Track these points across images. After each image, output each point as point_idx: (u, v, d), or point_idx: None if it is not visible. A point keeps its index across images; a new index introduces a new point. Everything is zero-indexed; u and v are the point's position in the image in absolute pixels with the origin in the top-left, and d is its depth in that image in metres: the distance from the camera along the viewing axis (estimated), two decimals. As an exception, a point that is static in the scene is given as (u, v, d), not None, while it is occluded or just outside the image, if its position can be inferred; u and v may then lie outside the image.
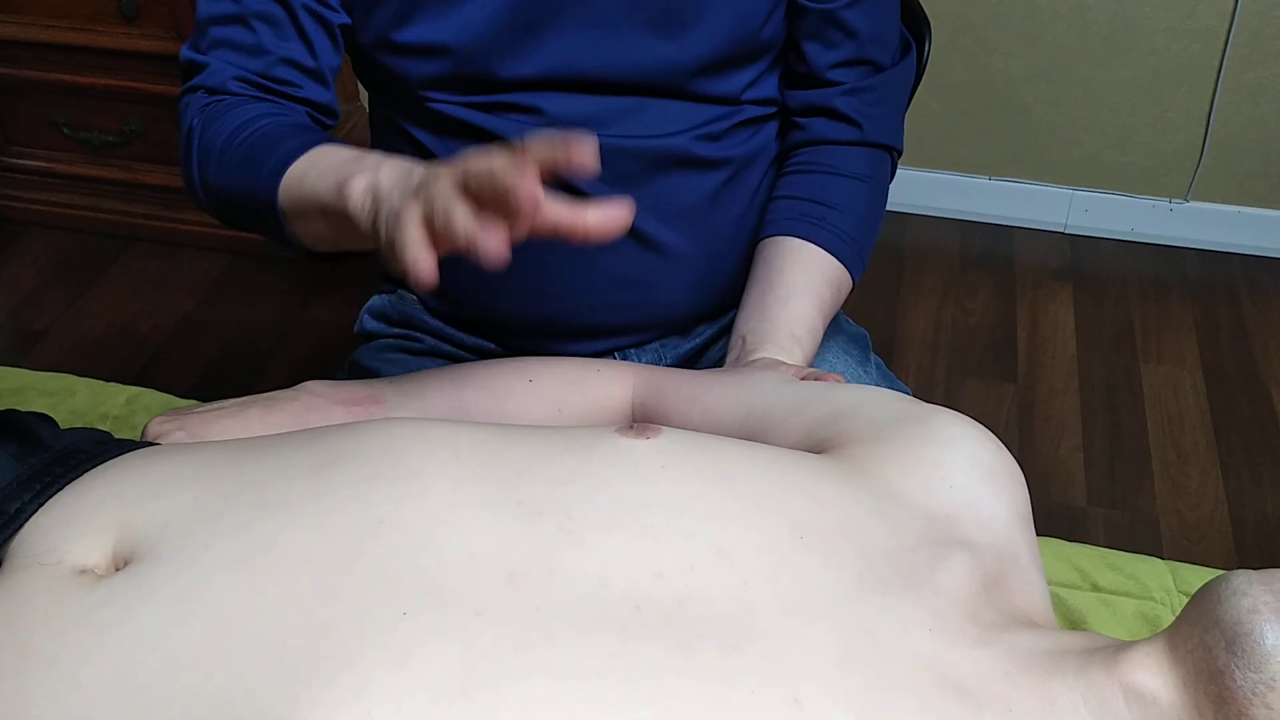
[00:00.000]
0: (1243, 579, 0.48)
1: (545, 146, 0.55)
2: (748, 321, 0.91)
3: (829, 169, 0.98)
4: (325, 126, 0.90)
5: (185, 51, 0.89)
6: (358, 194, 0.66)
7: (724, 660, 0.47)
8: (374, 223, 0.64)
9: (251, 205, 0.79)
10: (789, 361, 0.87)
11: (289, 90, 0.87)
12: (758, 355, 0.87)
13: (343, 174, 0.68)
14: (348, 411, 0.79)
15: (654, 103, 0.92)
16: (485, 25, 0.87)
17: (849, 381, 0.99)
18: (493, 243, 0.55)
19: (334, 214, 0.69)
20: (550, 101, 0.90)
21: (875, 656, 0.48)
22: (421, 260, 0.57)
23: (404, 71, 0.90)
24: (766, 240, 0.97)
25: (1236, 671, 0.45)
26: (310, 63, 0.88)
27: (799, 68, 0.97)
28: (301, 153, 0.76)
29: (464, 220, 0.55)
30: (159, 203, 2.21)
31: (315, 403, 0.79)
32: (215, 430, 0.76)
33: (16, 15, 2.03)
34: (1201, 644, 0.47)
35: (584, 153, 0.55)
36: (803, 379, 0.77)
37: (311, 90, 0.89)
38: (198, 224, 2.21)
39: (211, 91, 0.86)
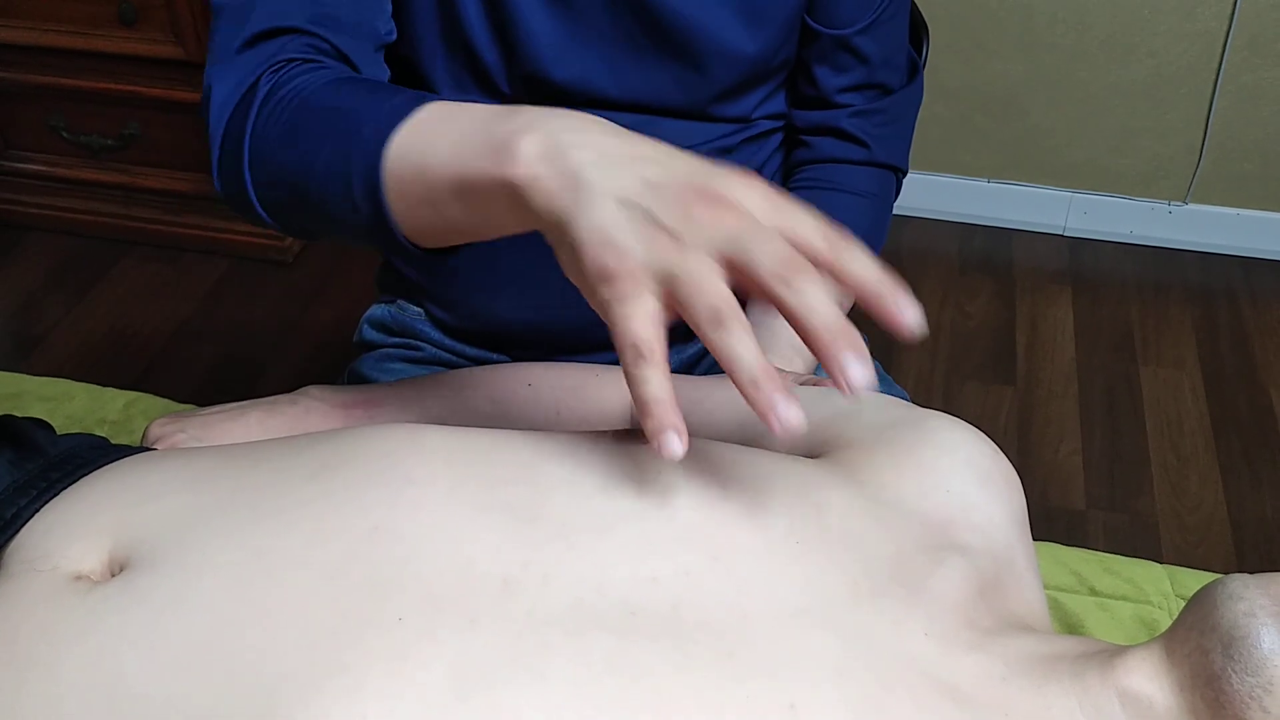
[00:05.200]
0: (1239, 583, 0.48)
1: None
2: None
3: (834, 186, 0.98)
4: None
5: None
6: (528, 162, 0.49)
7: (720, 665, 0.47)
8: (574, 225, 0.48)
9: (333, 190, 0.60)
10: (789, 370, 0.87)
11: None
12: None
13: (498, 133, 0.50)
14: (347, 415, 0.79)
15: (671, 121, 0.92)
16: (525, 19, 0.84)
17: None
18: (787, 411, 0.43)
19: (481, 192, 0.51)
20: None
21: (871, 662, 0.48)
22: (665, 442, 0.46)
23: (432, 75, 0.88)
24: None
25: (1233, 675, 0.45)
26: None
27: (808, 90, 0.97)
28: (410, 110, 0.57)
29: (748, 346, 0.44)
30: (158, 207, 2.22)
31: (315, 406, 0.80)
32: (216, 433, 0.76)
33: (15, 19, 2.03)
34: (1198, 648, 0.47)
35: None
36: (800, 385, 0.77)
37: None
38: (197, 228, 2.21)
39: (279, 32, 0.70)
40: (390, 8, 0.80)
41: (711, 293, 0.45)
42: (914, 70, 1.01)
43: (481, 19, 0.86)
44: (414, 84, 0.90)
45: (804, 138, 0.99)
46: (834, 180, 0.98)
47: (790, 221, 0.47)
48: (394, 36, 0.79)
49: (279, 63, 0.68)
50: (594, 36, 0.87)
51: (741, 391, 0.45)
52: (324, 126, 0.61)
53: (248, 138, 0.66)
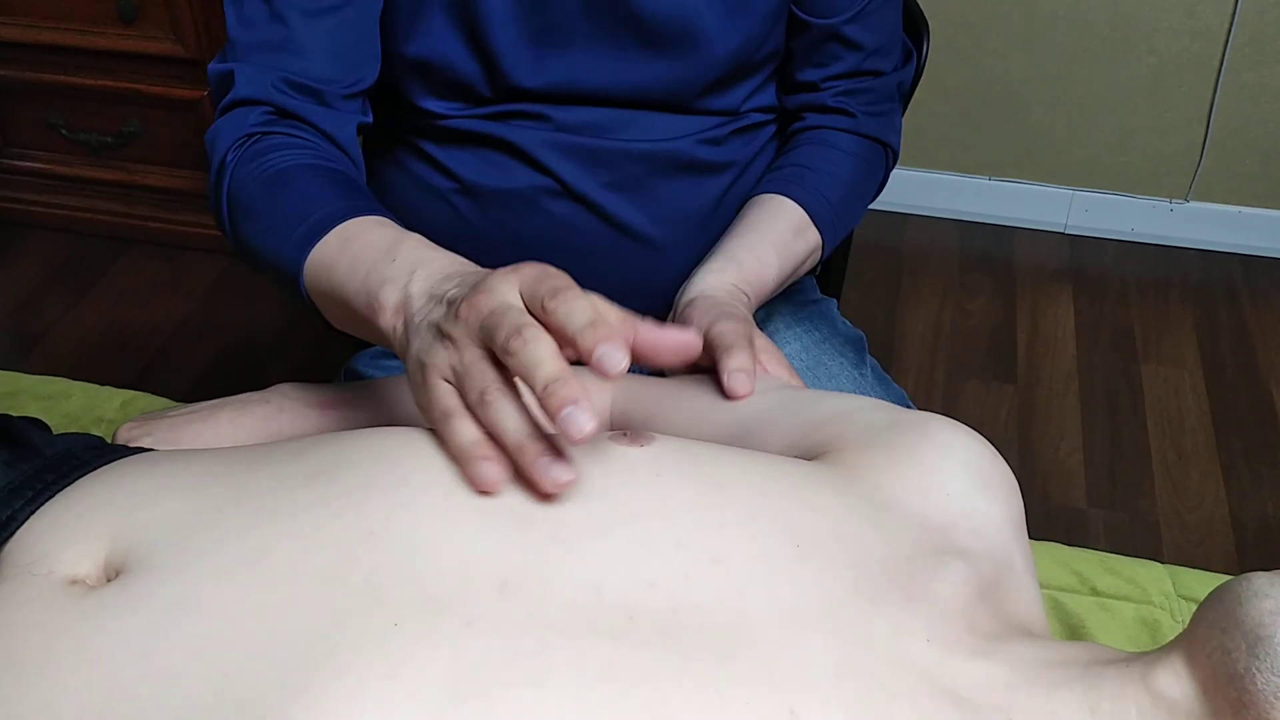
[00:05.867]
0: (1264, 580, 0.47)
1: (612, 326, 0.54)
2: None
3: (820, 141, 0.99)
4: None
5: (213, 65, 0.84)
6: (389, 314, 0.62)
7: (719, 669, 0.46)
8: (407, 357, 0.60)
9: (278, 275, 0.74)
10: (720, 280, 0.86)
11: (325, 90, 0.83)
12: (690, 291, 0.86)
13: (372, 281, 0.63)
14: (320, 414, 0.78)
15: (658, 115, 0.92)
16: (498, 32, 0.86)
17: (845, 386, 0.99)
18: (554, 471, 0.51)
19: (365, 323, 0.65)
20: (557, 111, 0.90)
21: (872, 666, 0.48)
22: (479, 470, 0.53)
23: (408, 86, 0.90)
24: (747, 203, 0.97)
25: (1258, 675, 0.44)
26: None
27: (799, 77, 0.98)
28: (331, 225, 0.70)
29: (510, 417, 0.53)
30: (158, 205, 2.21)
31: (287, 405, 0.78)
32: (185, 436, 0.75)
33: (15, 17, 2.02)
34: (1220, 647, 0.46)
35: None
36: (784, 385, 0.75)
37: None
38: (197, 226, 2.21)
39: (249, 103, 0.81)
40: (375, 48, 0.85)
41: (477, 377, 0.54)
42: (908, 56, 1.01)
43: (455, 37, 0.86)
44: (395, 97, 0.91)
45: (795, 113, 1.00)
46: (820, 138, 0.98)
47: (534, 291, 0.55)
48: (371, 80, 0.86)
49: (241, 138, 0.79)
50: (572, 38, 0.87)
51: (509, 456, 0.53)
52: (260, 227, 0.75)
53: (225, 208, 0.80)
